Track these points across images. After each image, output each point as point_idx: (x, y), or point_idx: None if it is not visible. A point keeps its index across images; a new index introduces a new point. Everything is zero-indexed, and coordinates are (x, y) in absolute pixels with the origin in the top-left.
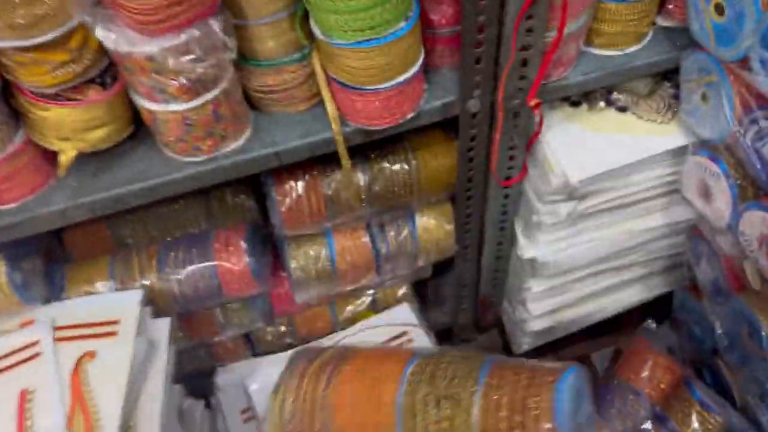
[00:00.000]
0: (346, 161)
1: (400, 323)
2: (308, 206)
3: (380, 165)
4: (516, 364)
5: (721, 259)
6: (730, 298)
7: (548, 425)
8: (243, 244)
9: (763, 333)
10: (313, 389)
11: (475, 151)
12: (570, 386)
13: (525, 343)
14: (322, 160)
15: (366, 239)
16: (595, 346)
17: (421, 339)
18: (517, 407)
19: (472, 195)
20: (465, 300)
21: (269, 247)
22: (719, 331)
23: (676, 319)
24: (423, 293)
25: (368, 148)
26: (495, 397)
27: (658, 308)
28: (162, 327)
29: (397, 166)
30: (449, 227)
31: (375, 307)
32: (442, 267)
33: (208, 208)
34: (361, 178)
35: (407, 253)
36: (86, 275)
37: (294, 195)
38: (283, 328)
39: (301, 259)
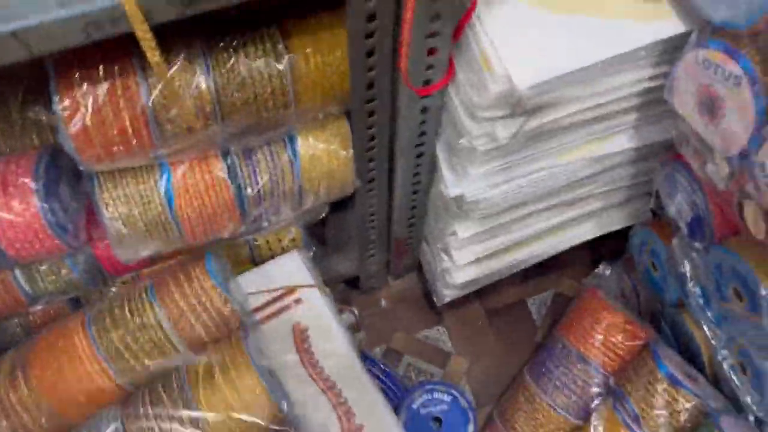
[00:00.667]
0: (152, 54)
1: (285, 279)
2: (116, 125)
3: (233, 61)
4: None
5: (708, 194)
6: (714, 245)
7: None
8: (31, 183)
9: (762, 292)
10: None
11: (376, 38)
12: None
13: (447, 296)
14: (136, 53)
15: (222, 173)
16: (530, 289)
17: (314, 299)
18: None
19: (375, 108)
20: (374, 245)
21: (83, 184)
22: (691, 282)
23: (629, 261)
24: (319, 235)
25: (211, 34)
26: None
27: (604, 245)
28: None
29: (260, 63)
30: (345, 153)
31: (253, 258)
32: (344, 201)
33: None
34: (202, 82)
35: (287, 193)
36: None
37: (89, 107)
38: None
39: (120, 204)
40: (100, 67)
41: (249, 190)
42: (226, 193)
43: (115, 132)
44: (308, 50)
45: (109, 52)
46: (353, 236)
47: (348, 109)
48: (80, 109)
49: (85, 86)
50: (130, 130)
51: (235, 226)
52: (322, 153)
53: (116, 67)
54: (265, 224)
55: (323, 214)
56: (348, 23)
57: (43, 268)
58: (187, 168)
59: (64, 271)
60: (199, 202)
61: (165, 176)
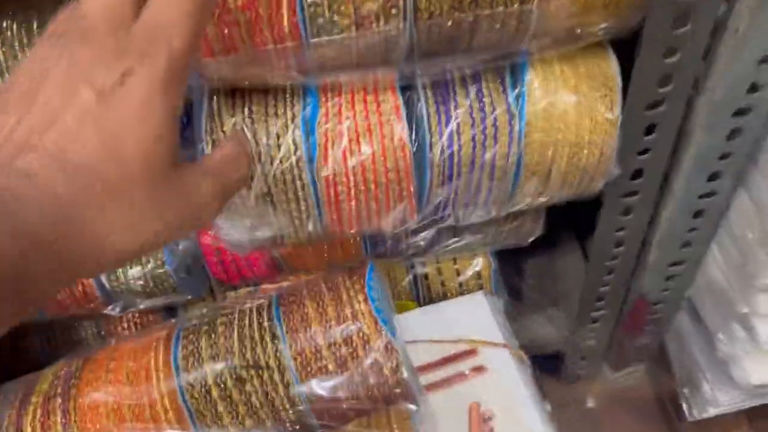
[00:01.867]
0: None
1: (463, 330)
2: None
3: None
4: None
5: None
6: None
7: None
8: None
9: None
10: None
11: None
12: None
13: (711, 406)
14: None
15: (396, 116)
16: None
17: (504, 368)
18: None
19: (692, 15)
20: (602, 304)
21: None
22: None
23: None
24: (509, 280)
25: None
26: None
27: None
28: None
29: None
30: (608, 113)
31: (417, 293)
32: (565, 218)
33: None
34: None
35: (495, 169)
36: None
37: None
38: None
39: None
40: None
41: (437, 152)
42: (400, 150)
43: (240, 7)
44: None
45: None
46: (570, 284)
47: (622, 31)
48: None
49: None
50: (264, 7)
51: (404, 212)
52: (569, 105)
53: None
54: (448, 219)
55: (534, 236)
56: None
57: None
58: (343, 101)
59: (153, 264)
60: (355, 158)
61: (309, 109)
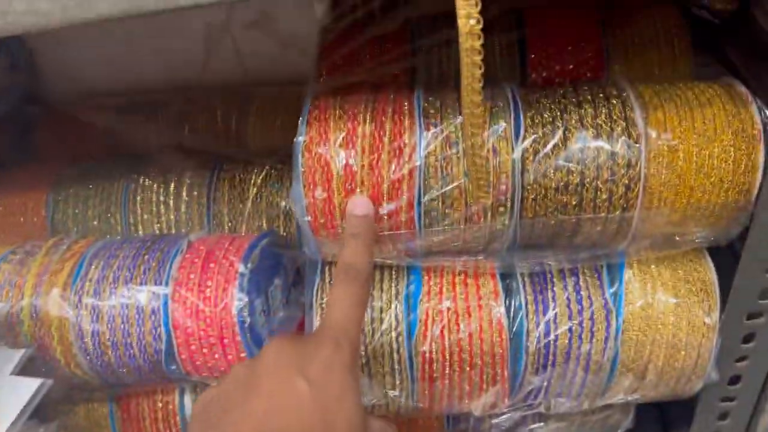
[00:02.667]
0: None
1: None
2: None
3: (557, 125)
4: None
5: None
6: None
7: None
8: (238, 264)
9: None
10: None
11: None
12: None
13: None
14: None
15: (496, 301)
16: None
17: None
18: None
19: None
20: None
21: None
22: None
23: None
24: None
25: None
26: None
27: None
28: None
29: (602, 137)
30: (706, 318)
31: None
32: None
33: None
34: (506, 144)
35: (590, 365)
36: None
37: (338, 152)
38: None
39: None
40: (364, 106)
41: (533, 339)
42: (498, 334)
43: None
44: (678, 133)
45: (379, 89)
46: None
47: (719, 240)
48: (329, 161)
49: (342, 130)
50: (386, 202)
51: (496, 395)
52: (667, 307)
53: (388, 107)
54: (538, 407)
55: (622, 429)
56: None
57: None
58: (445, 282)
59: None
60: (453, 337)
61: (413, 287)
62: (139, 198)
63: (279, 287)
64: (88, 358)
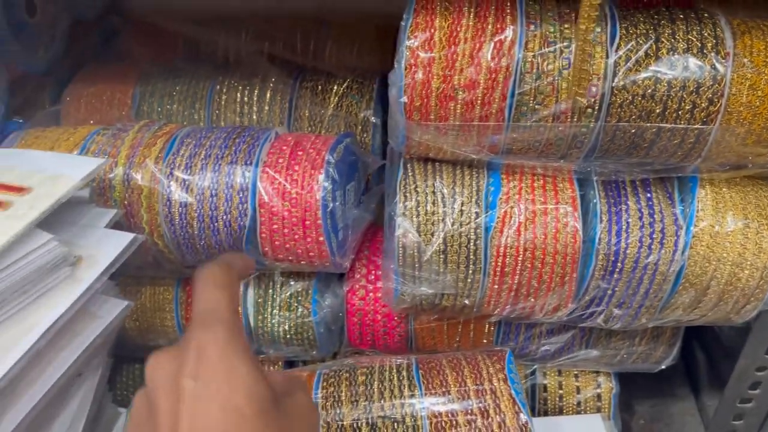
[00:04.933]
0: None
1: None
2: (467, 78)
3: (653, 39)
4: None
5: None
6: None
7: None
8: (325, 154)
9: None
10: None
11: None
12: None
13: None
14: None
15: (571, 207)
16: None
17: None
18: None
19: None
20: None
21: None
22: None
23: None
24: (625, 415)
25: None
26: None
27: None
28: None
29: (693, 51)
30: None
31: (534, 401)
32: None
33: None
34: (600, 51)
35: (656, 275)
36: None
37: (442, 46)
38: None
39: (422, 200)
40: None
41: (604, 245)
42: (571, 236)
43: (462, 86)
44: (762, 58)
45: None
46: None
47: None
48: (431, 46)
49: (446, 20)
50: (481, 89)
51: (562, 296)
52: (736, 227)
53: (492, 2)
54: (598, 318)
55: (666, 363)
56: None
57: (282, 297)
58: (524, 184)
59: (301, 311)
60: (528, 236)
61: (492, 186)
62: (224, 97)
63: (354, 189)
64: (172, 228)
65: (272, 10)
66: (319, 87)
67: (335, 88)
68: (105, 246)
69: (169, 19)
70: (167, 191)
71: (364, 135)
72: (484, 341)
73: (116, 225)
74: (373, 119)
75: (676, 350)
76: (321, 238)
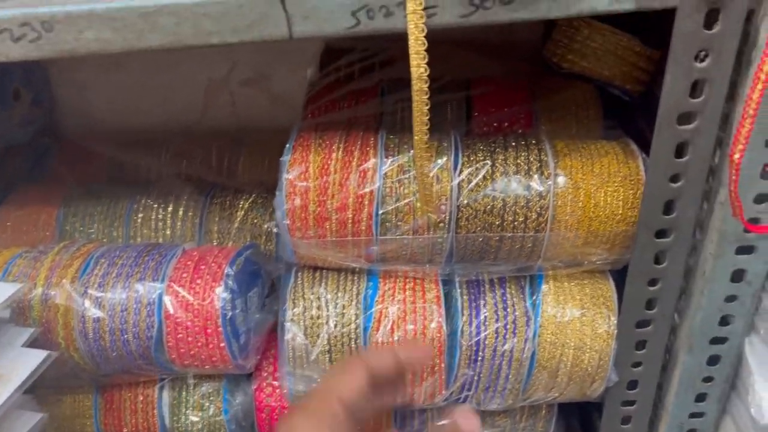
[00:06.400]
0: (420, 83)
1: None
2: (338, 202)
3: (488, 164)
4: None
5: None
6: None
7: None
8: (225, 267)
9: None
10: None
11: (697, 125)
12: None
13: None
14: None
15: (436, 305)
16: None
17: None
18: None
19: (662, 271)
20: None
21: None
22: None
23: None
24: None
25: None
26: None
27: None
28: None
29: (520, 174)
30: (606, 327)
31: None
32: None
33: None
34: (446, 175)
35: (512, 361)
36: None
37: (315, 177)
38: None
39: (309, 306)
40: (339, 138)
41: (466, 337)
42: (437, 332)
43: (335, 209)
44: (580, 175)
45: (351, 128)
46: None
47: (617, 263)
48: (307, 177)
49: (319, 155)
50: (351, 211)
51: (434, 385)
52: (575, 317)
53: (357, 140)
54: (471, 401)
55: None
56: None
57: (194, 398)
58: (397, 286)
59: (213, 410)
60: (401, 332)
61: (371, 290)
62: (140, 216)
63: (257, 294)
64: (86, 342)
65: (192, 127)
66: (227, 202)
67: (241, 202)
68: (19, 364)
69: (98, 141)
70: (82, 308)
71: (269, 244)
72: (383, 427)
73: (34, 342)
74: (275, 230)
75: (553, 425)
76: (222, 344)
